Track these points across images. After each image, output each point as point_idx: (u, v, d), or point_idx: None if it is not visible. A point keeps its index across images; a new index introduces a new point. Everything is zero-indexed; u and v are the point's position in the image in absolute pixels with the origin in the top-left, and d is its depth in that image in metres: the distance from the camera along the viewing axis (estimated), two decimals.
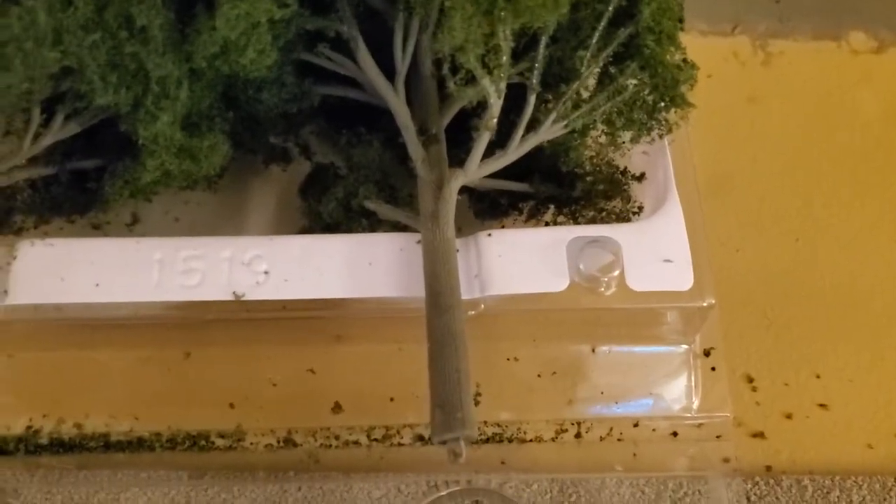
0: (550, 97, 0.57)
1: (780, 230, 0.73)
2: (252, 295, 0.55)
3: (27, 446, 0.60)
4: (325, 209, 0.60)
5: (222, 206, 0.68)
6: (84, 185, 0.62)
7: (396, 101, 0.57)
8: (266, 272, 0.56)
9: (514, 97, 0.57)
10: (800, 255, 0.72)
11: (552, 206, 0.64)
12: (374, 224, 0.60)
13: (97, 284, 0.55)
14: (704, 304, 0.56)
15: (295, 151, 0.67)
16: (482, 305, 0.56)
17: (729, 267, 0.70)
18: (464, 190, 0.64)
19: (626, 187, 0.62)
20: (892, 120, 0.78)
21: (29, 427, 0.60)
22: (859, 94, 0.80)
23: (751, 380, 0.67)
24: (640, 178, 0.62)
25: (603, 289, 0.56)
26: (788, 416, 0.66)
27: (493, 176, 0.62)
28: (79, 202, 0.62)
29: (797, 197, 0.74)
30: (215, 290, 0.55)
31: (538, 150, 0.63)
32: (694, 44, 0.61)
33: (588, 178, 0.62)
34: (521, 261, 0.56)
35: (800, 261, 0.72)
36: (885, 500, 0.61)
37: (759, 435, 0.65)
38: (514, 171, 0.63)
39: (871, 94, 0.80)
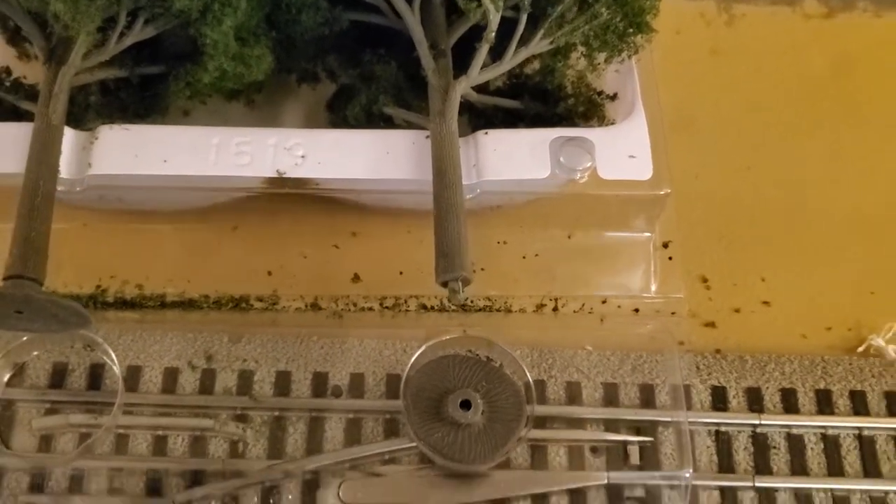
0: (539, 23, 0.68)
1: (734, 161, 0.83)
2: (292, 174, 0.66)
3: (96, 303, 0.70)
4: (351, 113, 0.71)
5: (257, 123, 0.77)
6: (145, 92, 0.73)
7: (413, 21, 0.68)
8: (303, 156, 0.67)
9: (510, 29, 0.68)
10: (751, 180, 0.82)
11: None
12: (390, 128, 0.71)
13: (165, 161, 0.66)
14: (661, 193, 0.68)
15: (322, 75, 0.77)
16: (478, 190, 0.67)
17: (689, 191, 0.79)
18: (464, 110, 0.75)
19: (602, 107, 0.74)
20: (836, 77, 0.89)
21: (98, 287, 0.71)
22: (809, 54, 0.90)
23: (705, 280, 0.77)
24: (614, 97, 0.74)
25: (578, 177, 0.67)
26: (737, 311, 0.76)
27: (490, 94, 0.73)
28: (142, 106, 0.73)
29: (751, 136, 0.84)
30: (262, 167, 0.66)
31: (527, 76, 0.75)
32: (666, 4, 0.71)
33: (570, 100, 0.74)
34: (512, 153, 0.68)
35: (750, 185, 0.82)
36: (811, 372, 0.72)
37: (710, 325, 0.75)
38: (508, 93, 0.75)
39: (820, 54, 0.90)
